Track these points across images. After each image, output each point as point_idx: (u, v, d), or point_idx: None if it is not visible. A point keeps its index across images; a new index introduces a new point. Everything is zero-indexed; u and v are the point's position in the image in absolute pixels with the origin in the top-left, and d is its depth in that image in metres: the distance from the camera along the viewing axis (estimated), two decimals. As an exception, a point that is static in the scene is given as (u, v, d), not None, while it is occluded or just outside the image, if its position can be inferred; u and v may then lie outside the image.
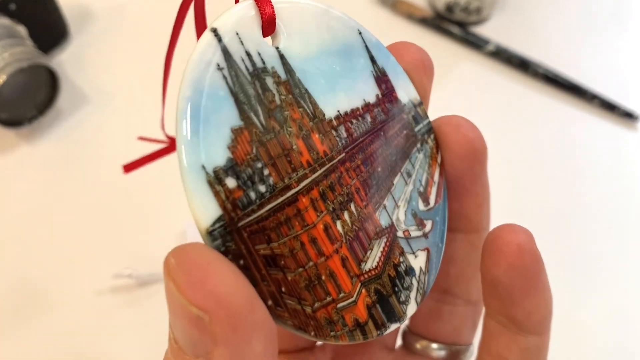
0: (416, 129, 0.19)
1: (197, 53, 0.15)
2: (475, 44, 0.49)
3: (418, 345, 0.22)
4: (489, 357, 0.20)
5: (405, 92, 0.19)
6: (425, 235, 0.18)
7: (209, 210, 0.14)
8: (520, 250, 0.17)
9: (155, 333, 0.37)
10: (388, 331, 0.17)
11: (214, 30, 0.15)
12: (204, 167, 0.14)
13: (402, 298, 0.17)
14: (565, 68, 0.47)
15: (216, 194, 0.14)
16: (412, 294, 0.18)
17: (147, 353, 0.36)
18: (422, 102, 0.20)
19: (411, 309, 0.18)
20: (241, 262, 0.14)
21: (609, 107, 0.46)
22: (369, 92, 0.18)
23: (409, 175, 0.18)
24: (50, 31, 0.47)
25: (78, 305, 0.38)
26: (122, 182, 0.43)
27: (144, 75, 0.48)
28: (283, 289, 0.15)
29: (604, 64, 0.49)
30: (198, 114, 0.14)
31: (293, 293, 0.15)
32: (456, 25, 0.50)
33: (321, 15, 0.17)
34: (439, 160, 0.19)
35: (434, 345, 0.22)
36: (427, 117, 0.20)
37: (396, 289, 0.17)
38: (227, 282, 0.13)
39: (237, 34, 0.15)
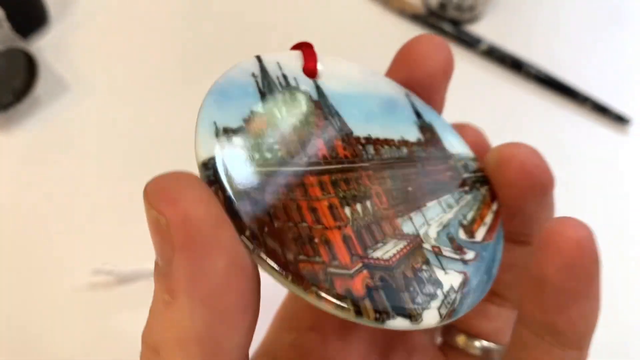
0: (464, 175, 0.20)
1: (237, 64, 0.17)
2: (468, 42, 0.48)
3: (459, 340, 0.21)
4: None
5: (455, 146, 0.20)
6: (464, 261, 0.18)
7: (208, 147, 0.15)
8: (579, 248, 0.16)
9: (135, 332, 0.35)
10: (392, 323, 0.16)
11: (258, 56, 0.18)
12: (215, 123, 0.16)
13: (419, 300, 0.16)
14: (558, 69, 0.47)
15: (219, 140, 0.16)
16: (435, 303, 0.17)
17: (125, 352, 0.35)
18: (476, 158, 0.20)
19: (431, 316, 0.16)
20: (227, 193, 0.15)
21: (600, 110, 0.46)
22: (409, 134, 0.19)
23: (450, 206, 0.19)
24: (29, 15, 0.45)
25: (53, 301, 0.36)
26: (102, 174, 0.41)
27: (126, 64, 0.46)
28: (266, 230, 0.15)
29: (597, 66, 0.49)
30: (222, 92, 0.16)
31: (276, 238, 0.15)
32: (449, 23, 0.49)
33: (369, 75, 0.20)
34: (493, 208, 0.19)
35: (477, 343, 0.21)
36: (480, 171, 0.20)
37: (411, 289, 0.16)
38: (192, 195, 0.13)
39: (278, 62, 0.18)
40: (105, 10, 0.49)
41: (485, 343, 0.21)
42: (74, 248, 0.38)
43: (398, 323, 0.16)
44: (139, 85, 0.45)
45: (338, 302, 0.15)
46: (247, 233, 0.15)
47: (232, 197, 0.15)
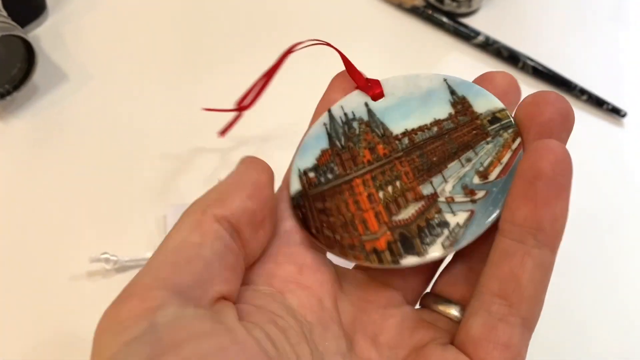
0: (490, 128, 0.24)
1: (318, 120, 0.27)
2: (465, 35, 0.49)
3: (440, 307, 0.24)
4: (497, 281, 0.21)
5: (485, 106, 0.25)
6: (473, 201, 0.23)
7: (295, 186, 0.25)
8: (565, 152, 0.20)
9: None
10: (404, 261, 0.23)
11: (329, 110, 0.27)
12: (299, 169, 0.26)
13: (427, 241, 0.23)
14: (555, 62, 0.47)
15: (301, 179, 0.25)
16: (440, 239, 0.23)
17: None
18: (505, 109, 0.25)
19: (435, 250, 0.23)
20: (303, 210, 0.25)
21: (597, 103, 0.46)
22: (442, 113, 0.25)
23: (469, 160, 0.24)
24: (26, 4, 0.45)
25: (51, 290, 0.36)
26: (99, 163, 0.41)
27: (124, 53, 0.46)
28: (325, 225, 0.24)
29: (594, 59, 0.49)
30: (305, 146, 0.26)
31: (330, 228, 0.24)
32: (446, 16, 0.49)
33: (411, 79, 0.27)
34: (513, 146, 0.24)
35: (454, 307, 0.24)
36: (508, 118, 0.24)
37: (422, 234, 0.23)
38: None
39: (341, 106, 0.27)
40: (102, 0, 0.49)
41: (458, 306, 0.24)
42: (72, 237, 0.38)
43: (408, 261, 0.23)
44: (136, 73, 0.45)
45: (365, 257, 0.23)
46: (313, 230, 0.24)
47: (306, 214, 0.25)
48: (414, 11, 0.50)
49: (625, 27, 0.52)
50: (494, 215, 0.22)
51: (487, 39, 0.48)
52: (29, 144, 0.41)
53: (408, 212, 0.24)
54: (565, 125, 0.22)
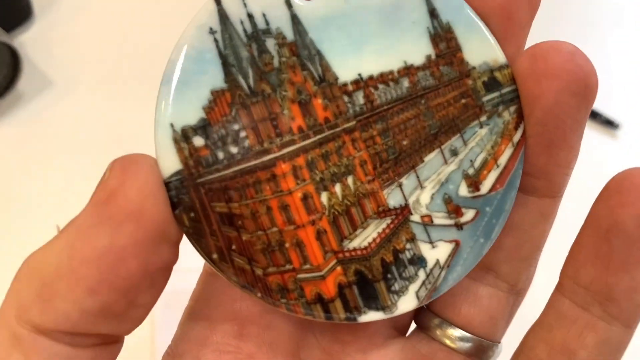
0: (485, 98, 0.16)
1: (193, 18, 0.16)
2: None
3: (438, 331, 0.17)
4: (545, 348, 0.16)
5: (479, 52, 0.16)
6: (458, 225, 0.16)
7: (170, 164, 0.14)
8: None
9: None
10: (364, 318, 0.16)
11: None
12: (172, 125, 0.15)
13: (395, 287, 0.16)
14: (548, 73, 0.47)
15: (179, 150, 0.15)
16: (413, 287, 0.16)
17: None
18: (508, 65, 0.16)
19: (407, 302, 0.16)
20: (192, 214, 0.14)
21: (591, 115, 0.45)
22: (416, 53, 0.16)
23: (454, 153, 0.16)
24: (12, 9, 0.44)
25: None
26: (85, 172, 0.40)
27: (110, 60, 0.46)
28: (233, 247, 0.15)
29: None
30: (177, 76, 0.15)
31: (244, 253, 0.15)
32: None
33: None
34: (515, 138, 0.16)
35: (458, 333, 0.17)
36: (511, 83, 0.16)
37: (389, 275, 0.16)
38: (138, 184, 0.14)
39: None
40: (89, 5, 0.48)
41: (465, 334, 0.17)
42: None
43: (371, 316, 0.16)
44: (123, 81, 0.45)
45: (305, 308, 0.15)
46: (215, 256, 0.15)
47: (199, 223, 0.15)
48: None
49: (618, 39, 0.51)
50: (485, 251, 0.16)
51: (480, 48, 0.48)
52: (14, 152, 0.40)
53: (367, 236, 0.16)
54: (581, 106, 0.15)
